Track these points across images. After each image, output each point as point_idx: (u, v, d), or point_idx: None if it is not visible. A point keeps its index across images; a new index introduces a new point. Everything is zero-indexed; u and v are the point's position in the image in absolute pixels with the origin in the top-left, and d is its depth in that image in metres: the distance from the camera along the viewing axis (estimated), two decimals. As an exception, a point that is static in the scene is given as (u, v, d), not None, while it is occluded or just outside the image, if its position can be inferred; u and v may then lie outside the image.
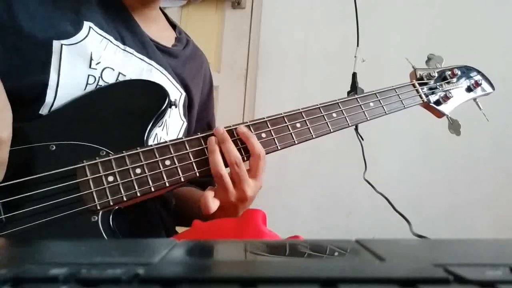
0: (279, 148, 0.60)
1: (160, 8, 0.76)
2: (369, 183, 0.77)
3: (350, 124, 0.66)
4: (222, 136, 0.57)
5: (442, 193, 1.56)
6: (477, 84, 0.77)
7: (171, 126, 0.69)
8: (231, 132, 0.58)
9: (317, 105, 0.65)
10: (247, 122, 0.60)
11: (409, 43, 1.57)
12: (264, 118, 0.61)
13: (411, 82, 0.74)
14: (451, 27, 1.63)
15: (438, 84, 0.76)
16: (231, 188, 0.57)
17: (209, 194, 0.57)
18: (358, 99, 0.67)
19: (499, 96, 0.82)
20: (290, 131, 0.61)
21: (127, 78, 0.62)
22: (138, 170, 0.52)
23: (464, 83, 0.77)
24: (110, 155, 0.52)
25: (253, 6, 1.72)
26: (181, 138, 0.56)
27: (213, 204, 0.57)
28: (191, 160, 0.55)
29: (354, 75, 0.80)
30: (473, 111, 0.79)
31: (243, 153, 0.58)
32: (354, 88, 0.78)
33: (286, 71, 1.67)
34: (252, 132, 0.59)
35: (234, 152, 0.57)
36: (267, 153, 0.59)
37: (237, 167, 0.56)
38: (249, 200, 0.59)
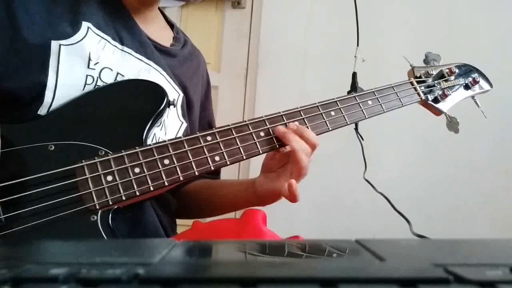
0: (277, 146, 0.61)
1: (159, 8, 0.76)
2: (369, 183, 0.77)
3: (348, 122, 0.66)
4: (298, 129, 0.59)
5: (442, 193, 1.56)
6: (475, 82, 0.77)
7: (169, 127, 0.69)
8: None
9: (316, 103, 0.65)
10: (245, 121, 0.60)
11: (409, 43, 1.57)
12: (262, 117, 0.61)
13: (409, 80, 0.75)
14: (450, 26, 1.63)
15: (436, 82, 0.76)
16: (305, 175, 0.59)
17: (296, 184, 0.58)
18: (356, 98, 0.67)
19: (498, 95, 0.82)
20: (289, 130, 0.61)
21: (126, 78, 0.61)
22: (137, 170, 0.52)
23: (462, 81, 0.77)
24: (109, 154, 0.52)
25: (253, 6, 1.72)
26: (180, 137, 0.56)
27: (298, 194, 0.58)
28: (190, 159, 0.55)
29: (354, 75, 0.80)
30: (472, 109, 0.79)
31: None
32: (354, 88, 0.78)
33: (286, 71, 1.67)
34: (250, 130, 0.59)
35: (313, 136, 0.59)
36: (265, 152, 0.60)
37: (314, 149, 0.59)
38: None
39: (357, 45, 0.84)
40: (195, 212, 0.78)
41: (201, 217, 0.78)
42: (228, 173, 1.18)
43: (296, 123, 0.61)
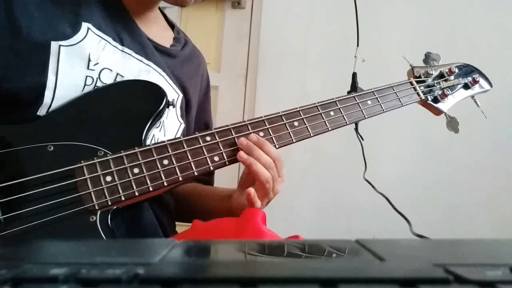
0: (277, 146, 0.61)
1: (159, 8, 0.76)
2: (369, 183, 0.77)
3: (348, 122, 0.66)
4: (259, 141, 0.58)
5: (442, 193, 1.57)
6: (475, 82, 0.77)
7: (169, 128, 0.69)
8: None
9: (315, 103, 0.65)
10: (245, 121, 0.60)
11: (409, 43, 1.57)
12: (262, 117, 0.61)
13: (409, 80, 0.75)
14: (450, 26, 1.63)
15: (435, 81, 0.76)
16: (271, 190, 0.59)
17: (254, 193, 0.58)
18: (355, 97, 0.68)
19: (498, 95, 0.82)
20: (288, 129, 0.61)
21: (125, 78, 0.61)
22: (136, 170, 0.52)
23: (462, 80, 0.77)
24: (108, 155, 0.52)
25: (253, 6, 1.72)
26: (179, 137, 0.56)
27: (258, 203, 0.59)
28: (189, 159, 0.55)
29: (354, 75, 0.80)
30: (472, 109, 0.79)
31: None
32: (354, 88, 0.77)
33: (286, 71, 1.67)
34: (250, 130, 0.59)
35: (274, 151, 0.59)
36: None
37: (278, 163, 0.59)
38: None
39: (357, 45, 0.84)
40: (184, 214, 0.78)
41: (190, 221, 0.78)
42: (229, 173, 1.19)
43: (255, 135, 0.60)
